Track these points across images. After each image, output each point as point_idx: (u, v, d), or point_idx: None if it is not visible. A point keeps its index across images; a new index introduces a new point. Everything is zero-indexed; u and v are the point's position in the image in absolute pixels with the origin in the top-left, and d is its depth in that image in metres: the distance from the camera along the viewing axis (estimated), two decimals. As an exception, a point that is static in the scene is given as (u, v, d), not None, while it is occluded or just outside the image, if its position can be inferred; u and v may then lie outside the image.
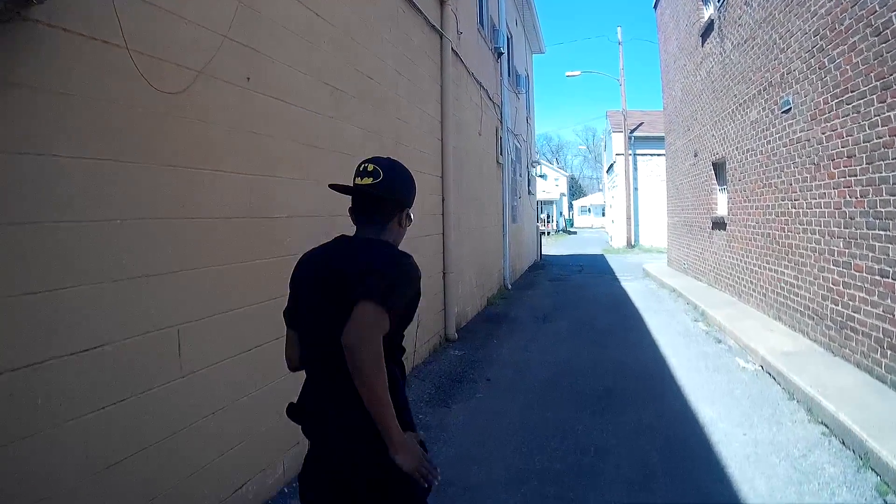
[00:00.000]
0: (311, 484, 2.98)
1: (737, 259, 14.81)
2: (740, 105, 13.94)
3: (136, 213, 4.00)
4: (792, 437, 6.74)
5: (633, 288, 20.13)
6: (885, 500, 5.35)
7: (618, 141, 43.55)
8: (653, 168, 40.58)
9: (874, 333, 8.02)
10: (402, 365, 3.05)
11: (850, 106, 8.59)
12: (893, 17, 7.37)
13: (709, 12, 16.81)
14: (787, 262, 11.29)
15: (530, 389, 8.74)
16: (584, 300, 17.71)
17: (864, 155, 8.25)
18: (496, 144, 18.73)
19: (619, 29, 43.73)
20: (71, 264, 3.53)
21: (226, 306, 4.96)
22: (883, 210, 7.78)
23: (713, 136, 16.62)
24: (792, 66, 10.69)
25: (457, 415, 7.69)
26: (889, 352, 7.60)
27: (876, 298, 7.99)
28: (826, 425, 6.94)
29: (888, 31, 7.49)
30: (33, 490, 3.27)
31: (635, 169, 41.70)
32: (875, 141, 7.95)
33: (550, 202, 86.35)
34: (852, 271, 8.67)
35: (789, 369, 8.51)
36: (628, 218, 41.52)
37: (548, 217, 77.79)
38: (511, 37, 22.69)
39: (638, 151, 41.56)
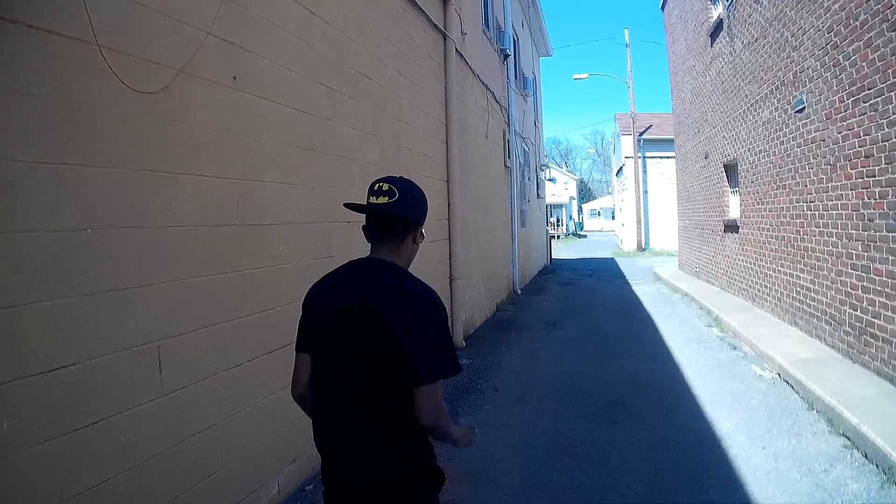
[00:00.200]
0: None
1: (750, 262, 14.50)
2: (752, 105, 13.64)
3: (108, 222, 3.75)
4: (813, 451, 6.44)
5: (645, 292, 19.83)
6: (912, 519, 5.08)
7: (627, 144, 43.15)
8: (662, 171, 40.31)
9: (895, 340, 7.72)
10: None
11: (867, 104, 8.30)
12: (911, 11, 7.11)
13: (717, 12, 16.53)
14: (802, 266, 10.98)
15: (539, 400, 8.46)
16: (594, 305, 17.38)
17: (882, 155, 7.97)
18: (503, 147, 18.48)
19: (626, 31, 44.18)
20: (34, 278, 3.28)
21: (212, 320, 4.70)
22: (904, 212, 7.47)
23: (724, 137, 16.32)
24: (805, 64, 10.40)
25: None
26: (912, 359, 7.30)
27: (897, 303, 7.68)
28: (848, 437, 6.64)
29: (906, 25, 7.21)
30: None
31: (645, 172, 41.41)
32: (894, 140, 7.67)
33: (560, 205, 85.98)
34: (872, 275, 8.36)
35: (808, 378, 8.21)
36: (638, 221, 41.20)
37: (557, 220, 77.50)
38: (517, 39, 22.49)
39: (647, 154, 41.23)
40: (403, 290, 2.89)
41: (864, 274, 8.60)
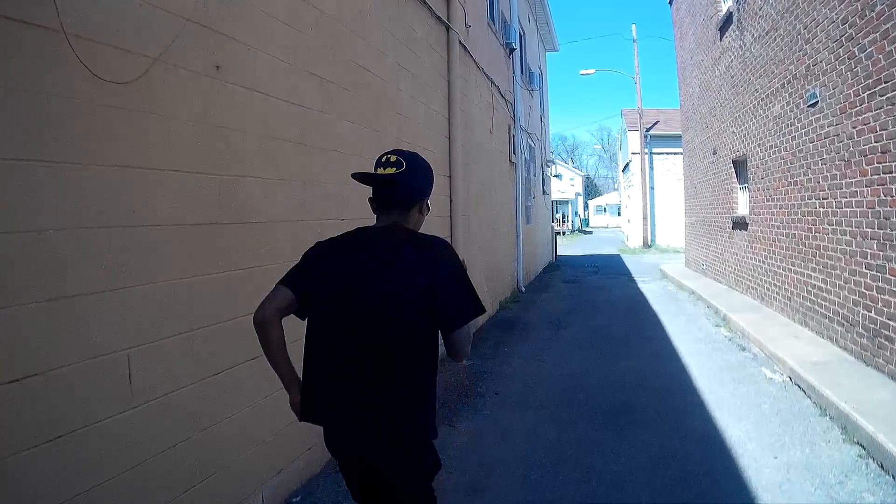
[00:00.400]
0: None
1: (759, 260, 14.22)
2: (762, 100, 13.35)
3: (74, 222, 3.49)
4: (827, 461, 6.16)
5: (651, 290, 19.59)
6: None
7: (633, 140, 43.01)
8: (669, 167, 40.01)
9: (912, 343, 7.43)
10: None
11: (884, 98, 8.01)
12: (931, 1, 6.83)
13: (727, 5, 16.25)
14: (814, 265, 10.69)
15: (541, 405, 8.16)
16: (599, 304, 17.10)
17: (900, 150, 7.67)
18: (509, 143, 18.24)
19: (633, 26, 43.82)
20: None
21: (188, 326, 4.42)
22: (923, 210, 7.18)
23: (733, 132, 16.04)
24: (818, 57, 10.09)
25: (461, 435, 7.09)
26: (930, 364, 7.02)
27: (915, 305, 7.38)
28: (863, 446, 6.36)
29: (926, 15, 6.93)
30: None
31: (651, 168, 41.17)
32: (913, 135, 7.35)
33: (566, 202, 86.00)
34: (887, 275, 8.08)
35: (821, 382, 7.92)
36: (644, 217, 41.02)
37: (563, 217, 77.71)
38: (524, 33, 22.25)
39: (654, 150, 40.98)
40: (423, 244, 3.12)
41: (879, 274, 8.32)
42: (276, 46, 5.59)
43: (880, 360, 8.22)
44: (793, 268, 11.84)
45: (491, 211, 15.38)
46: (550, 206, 35.88)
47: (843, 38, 9.14)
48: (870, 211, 8.54)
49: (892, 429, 6.23)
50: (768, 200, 13.28)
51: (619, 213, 78.50)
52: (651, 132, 41.02)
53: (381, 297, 2.95)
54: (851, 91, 8.95)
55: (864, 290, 8.77)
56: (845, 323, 9.38)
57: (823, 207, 10.19)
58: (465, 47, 12.41)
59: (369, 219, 3.32)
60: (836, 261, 9.71)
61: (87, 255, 3.57)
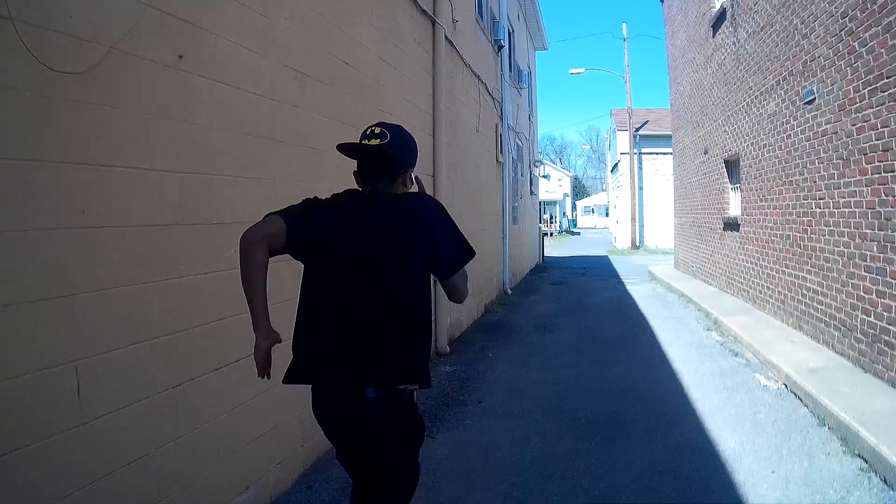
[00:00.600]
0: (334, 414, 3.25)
1: (751, 262, 13.94)
2: (756, 98, 13.09)
3: (12, 224, 3.16)
4: (827, 475, 5.83)
5: (640, 292, 19.30)
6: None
7: (622, 140, 42.94)
8: (658, 167, 40.09)
9: (914, 349, 7.14)
10: None
11: (886, 93, 7.72)
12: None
13: (720, 1, 15.99)
14: (809, 267, 10.40)
15: (527, 415, 7.78)
16: (587, 306, 16.79)
17: (902, 148, 7.37)
18: (496, 142, 17.91)
19: (623, 25, 44.31)
20: None
21: (145, 335, 4.06)
22: (926, 210, 6.89)
23: (725, 131, 15.79)
24: (816, 52, 9.80)
25: (441, 447, 6.70)
26: (933, 371, 6.73)
27: (916, 309, 7.09)
28: (864, 459, 6.04)
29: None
30: None
31: (640, 168, 41.16)
32: (916, 132, 7.06)
33: (553, 202, 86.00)
34: (888, 278, 7.78)
35: (819, 390, 7.59)
36: (633, 218, 40.95)
37: (551, 218, 77.80)
38: (512, 31, 22.01)
39: (643, 150, 40.97)
40: (414, 198, 3.33)
41: (878, 277, 8.02)
42: (247, 36, 5.25)
43: (880, 367, 7.93)
44: (787, 270, 11.55)
45: (477, 211, 15.05)
46: (538, 207, 35.83)
47: (842, 32, 8.86)
48: (870, 211, 8.26)
49: (895, 440, 5.93)
50: (761, 201, 13.02)
51: (607, 214, 78.57)
52: (640, 132, 40.99)
53: (381, 251, 3.10)
54: (851, 87, 8.66)
55: (862, 293, 8.48)
56: (842, 327, 9.09)
57: (820, 208, 9.90)
58: (451, 43, 12.06)
59: None
60: (834, 263, 9.42)
61: (30, 259, 3.27)
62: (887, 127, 7.72)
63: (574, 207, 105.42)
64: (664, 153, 36.19)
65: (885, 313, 7.84)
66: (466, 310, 13.44)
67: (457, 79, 12.81)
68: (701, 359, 10.31)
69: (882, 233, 7.93)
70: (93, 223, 3.65)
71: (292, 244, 3.13)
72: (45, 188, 3.33)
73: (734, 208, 15.97)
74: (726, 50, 15.39)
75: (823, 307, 9.82)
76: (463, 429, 7.32)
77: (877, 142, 8.00)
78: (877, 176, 8.03)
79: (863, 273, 8.47)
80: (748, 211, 14.13)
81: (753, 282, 13.84)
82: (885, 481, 5.59)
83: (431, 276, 3.32)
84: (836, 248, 9.31)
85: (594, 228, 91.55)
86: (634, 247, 40.43)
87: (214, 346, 4.74)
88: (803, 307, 10.71)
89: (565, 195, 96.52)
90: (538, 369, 9.99)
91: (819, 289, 9.99)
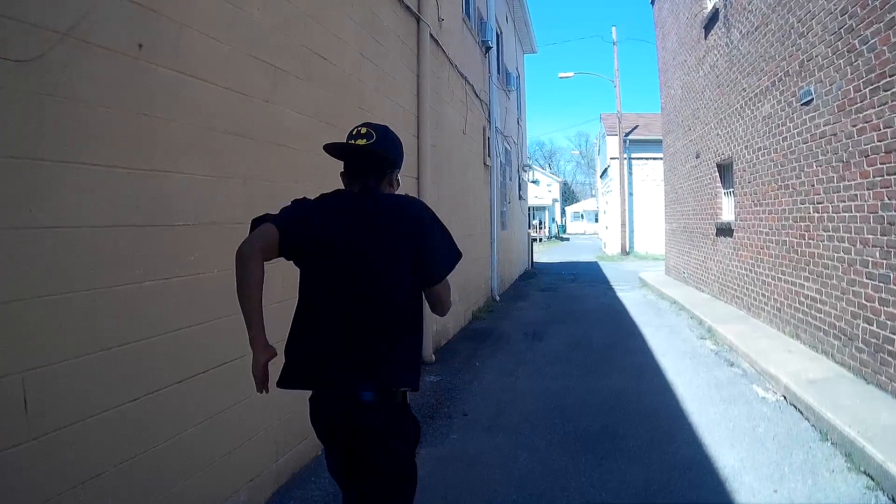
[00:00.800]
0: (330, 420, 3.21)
1: (745, 269, 13.63)
2: (750, 100, 12.79)
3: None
4: (832, 494, 5.51)
5: (631, 299, 19.00)
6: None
7: (612, 144, 42.88)
8: (648, 172, 40.12)
9: (919, 360, 6.83)
10: None
11: (889, 93, 7.43)
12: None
13: (713, 1, 15.76)
14: (807, 274, 10.07)
15: (514, 428, 7.42)
16: (577, 313, 16.44)
17: (906, 149, 7.07)
18: (484, 145, 17.64)
19: (613, 29, 44.33)
20: None
21: (101, 343, 3.77)
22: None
23: (718, 135, 15.52)
24: (814, 51, 9.50)
25: (424, 463, 6.16)
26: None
27: (922, 319, 6.79)
28: (871, 476, 5.72)
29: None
30: None
31: (630, 173, 41.10)
32: (923, 132, 6.75)
33: (543, 208, 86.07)
34: (891, 286, 7.47)
35: (820, 403, 7.25)
36: (623, 224, 40.83)
37: (540, 223, 77.96)
38: (501, 33, 21.83)
39: (633, 155, 40.93)
40: (405, 198, 3.35)
41: (881, 284, 7.70)
42: (215, 26, 4.92)
43: (883, 378, 7.62)
44: (783, 277, 11.24)
45: (464, 216, 14.75)
46: (527, 212, 35.70)
47: (841, 29, 8.56)
48: (871, 216, 7.94)
49: (903, 457, 5.63)
50: (756, 206, 12.72)
51: (596, 220, 78.77)
52: (630, 137, 40.97)
53: (378, 250, 3.12)
54: (851, 87, 8.35)
55: (864, 301, 8.16)
56: (843, 336, 8.77)
57: (818, 212, 9.58)
58: (437, 41, 11.75)
59: None
60: (833, 270, 9.09)
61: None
62: (890, 127, 7.42)
63: (563, 213, 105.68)
64: (654, 158, 36.35)
65: (888, 322, 7.52)
66: (453, 317, 13.12)
67: (443, 79, 12.50)
68: (695, 369, 9.96)
69: (885, 238, 7.62)
70: (41, 224, 3.39)
71: (288, 252, 3.19)
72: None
73: (727, 213, 15.71)
74: (719, 51, 15.14)
75: (822, 315, 9.50)
76: (447, 443, 6.95)
77: (879, 143, 7.70)
78: (879, 179, 7.72)
79: (864, 280, 8.15)
80: (742, 216, 13.84)
81: (748, 289, 13.53)
82: (893, 500, 5.31)
83: None
84: (836, 255, 8.99)
85: (583, 234, 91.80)
86: (624, 253, 40.31)
87: (179, 356, 4.45)
88: (801, 315, 10.38)
89: (554, 200, 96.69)
90: (526, 379, 9.63)
91: (817, 296, 9.67)
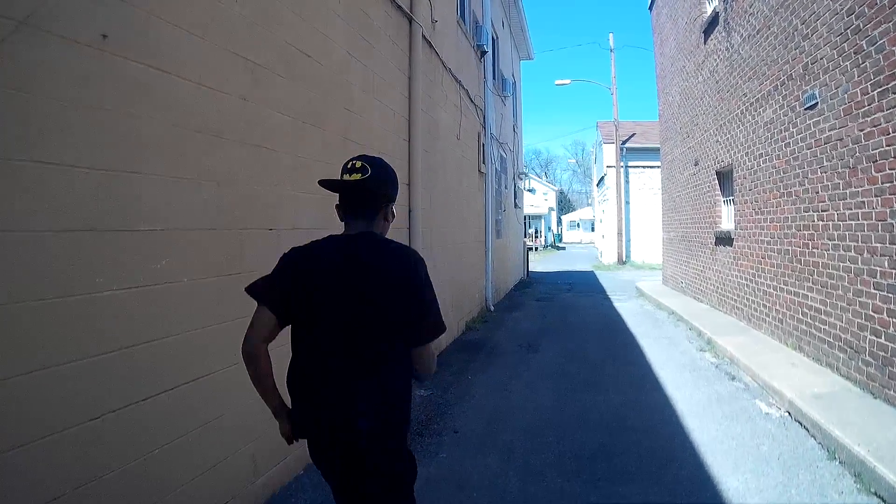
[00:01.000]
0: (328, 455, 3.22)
1: (746, 279, 13.34)
2: (751, 105, 12.53)
3: None
4: (843, 518, 5.14)
5: (628, 309, 18.68)
6: None
7: (609, 152, 42.79)
8: (645, 181, 40.12)
9: (930, 375, 6.54)
10: None
11: (899, 95, 7.12)
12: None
13: (713, 5, 15.52)
14: (811, 284, 9.77)
15: (507, 447, 7.05)
16: (573, 324, 16.10)
17: (919, 154, 6.79)
18: (478, 151, 17.34)
19: (610, 35, 43.71)
20: None
21: (55, 360, 3.51)
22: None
23: (717, 141, 15.27)
24: (818, 53, 9.22)
25: (411, 484, 6.00)
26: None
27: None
28: (882, 498, 5.46)
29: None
30: None
31: (627, 182, 41.02)
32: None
33: (539, 217, 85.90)
34: (901, 297, 7.15)
35: (827, 419, 6.94)
36: (619, 233, 40.66)
37: (536, 232, 77.71)
38: (497, 38, 21.59)
39: (630, 163, 40.86)
40: (397, 254, 3.27)
41: (890, 295, 7.42)
42: (188, 17, 4.64)
43: (891, 393, 7.34)
44: (786, 287, 10.94)
45: (458, 224, 14.46)
46: (523, 221, 35.48)
47: (848, 30, 8.29)
48: (880, 223, 7.66)
49: (918, 480, 5.33)
50: (757, 214, 12.44)
51: (592, 229, 78.79)
52: (627, 145, 40.88)
53: (361, 306, 3.09)
54: (858, 89, 8.08)
55: (871, 312, 7.87)
56: (848, 349, 8.47)
57: (823, 220, 9.29)
58: (429, 43, 11.46)
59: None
60: (839, 280, 8.80)
61: None
62: (901, 131, 7.12)
63: (559, 222, 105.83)
64: (651, 166, 36.42)
65: (897, 335, 7.23)
66: (446, 328, 12.63)
67: (436, 82, 12.20)
68: (695, 383, 9.61)
69: (894, 247, 7.35)
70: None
71: (287, 324, 3.24)
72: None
73: (727, 222, 15.47)
74: (719, 56, 14.91)
75: (827, 327, 9.20)
76: (436, 463, 6.58)
77: (888, 147, 7.44)
78: (888, 185, 7.45)
79: (872, 291, 7.86)
80: (742, 225, 13.57)
81: (748, 299, 13.24)
82: (907, 524, 4.93)
83: None
84: (842, 264, 8.70)
85: (580, 243, 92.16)
86: (621, 262, 40.17)
87: (142, 372, 4.15)
88: (804, 327, 10.08)
89: (550, 209, 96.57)
90: (520, 394, 9.26)
91: (822, 307, 9.37)
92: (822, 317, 9.34)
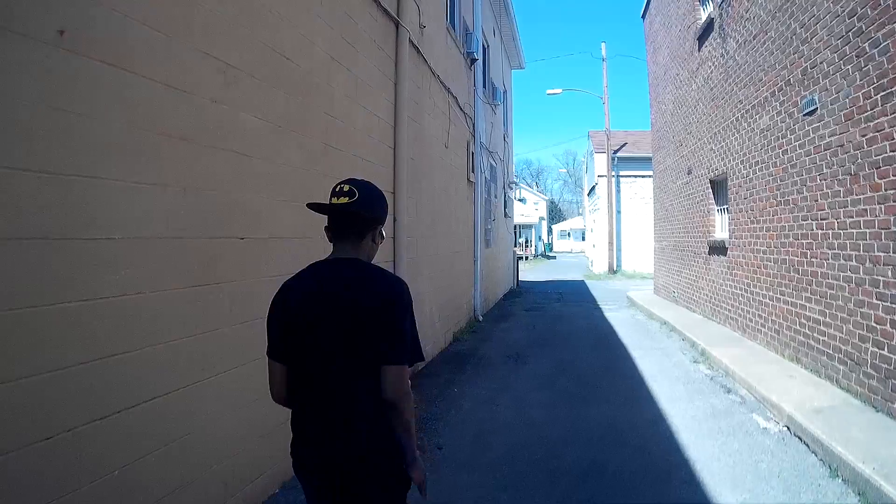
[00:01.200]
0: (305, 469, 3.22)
1: (741, 288, 13.10)
2: (747, 112, 12.33)
3: None
4: (847, 541, 4.87)
5: (619, 319, 18.44)
6: None
7: (600, 162, 42.73)
8: (637, 190, 40.16)
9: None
10: None
11: (903, 99, 6.89)
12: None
13: (707, 11, 15.38)
14: (809, 294, 9.53)
15: (493, 466, 6.74)
16: (564, 335, 15.82)
17: (925, 159, 6.55)
18: (467, 160, 17.10)
19: (602, 45, 43.88)
20: None
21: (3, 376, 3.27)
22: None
23: (711, 149, 15.08)
24: (818, 57, 9.00)
25: (391, 507, 5.68)
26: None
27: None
28: (889, 519, 5.11)
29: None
30: None
31: (618, 191, 40.99)
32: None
33: (529, 226, 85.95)
34: (905, 308, 6.90)
35: (829, 435, 6.69)
36: (610, 242, 40.63)
37: (526, 241, 77.86)
38: (488, 46, 21.46)
39: (621, 173, 40.86)
40: (372, 279, 3.22)
41: (894, 306, 7.18)
42: (153, 13, 4.38)
43: (894, 406, 7.09)
44: (782, 297, 10.69)
45: (446, 233, 14.20)
46: (513, 230, 35.48)
47: (850, 33, 8.07)
48: (883, 232, 7.42)
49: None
50: (752, 223, 12.21)
51: (583, 238, 78.96)
52: (619, 154, 40.91)
53: (332, 333, 3.06)
54: (860, 93, 7.86)
55: (873, 323, 7.63)
56: (849, 361, 8.22)
57: (822, 229, 9.05)
58: (417, 49, 11.21)
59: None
60: (839, 290, 8.55)
61: None
62: (905, 136, 6.87)
63: (550, 231, 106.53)
64: (643, 176, 36.71)
65: (901, 347, 6.98)
66: (433, 338, 12.52)
67: (423, 88, 11.95)
68: (690, 396, 9.31)
69: (898, 256, 7.08)
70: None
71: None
72: None
73: (720, 231, 15.32)
74: (713, 63, 14.74)
75: (826, 338, 8.95)
76: (419, 483, 6.29)
77: (892, 153, 7.22)
78: (892, 192, 7.23)
79: (874, 301, 7.62)
80: (737, 234, 13.35)
81: (743, 309, 13.01)
82: (915, 547, 4.68)
83: None
84: (842, 274, 8.46)
85: (570, 252, 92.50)
86: (612, 271, 40.10)
87: (100, 388, 3.87)
88: (802, 338, 9.83)
89: (541, 219, 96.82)
90: (508, 408, 8.94)
91: (821, 318, 9.13)
92: (821, 328, 9.10)
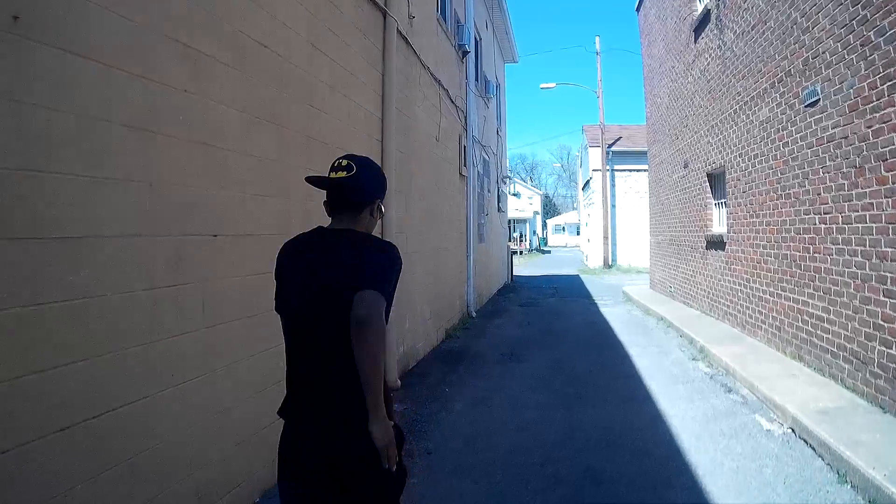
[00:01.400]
0: (294, 462, 3.22)
1: (739, 284, 12.86)
2: (745, 104, 12.08)
3: None
4: (859, 553, 4.61)
5: (615, 315, 18.23)
6: None
7: (595, 156, 42.73)
8: (632, 184, 40.09)
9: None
10: None
11: (910, 88, 6.62)
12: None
13: (704, 3, 15.13)
14: (812, 291, 9.28)
15: (485, 471, 6.45)
16: (559, 331, 15.57)
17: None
18: (459, 153, 16.83)
19: (597, 38, 43.53)
20: None
21: None
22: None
23: (708, 143, 14.84)
24: (820, 47, 8.75)
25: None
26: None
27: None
28: (902, 529, 4.85)
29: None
30: None
31: (613, 185, 40.92)
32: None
33: (524, 220, 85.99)
34: (914, 305, 6.64)
35: (836, 438, 6.42)
36: (605, 237, 40.58)
37: (521, 236, 77.92)
38: (480, 39, 21.23)
39: (616, 167, 40.80)
40: (361, 241, 3.24)
41: (902, 303, 6.88)
42: None
43: (903, 407, 6.80)
44: (784, 293, 10.44)
45: (437, 228, 13.94)
46: (507, 225, 35.45)
47: (854, 21, 7.82)
48: (890, 226, 7.18)
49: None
50: (752, 217, 11.98)
51: (578, 233, 79.15)
52: (613, 148, 40.85)
53: (318, 291, 3.09)
54: (866, 83, 7.60)
55: (881, 321, 7.38)
56: (854, 360, 7.97)
57: (826, 223, 8.80)
58: (406, 39, 10.91)
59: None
60: (844, 286, 8.30)
61: None
62: (913, 126, 6.61)
63: (545, 226, 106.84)
64: (637, 170, 36.69)
65: (910, 345, 6.72)
66: (424, 336, 12.29)
67: (412, 80, 11.65)
68: (690, 396, 9.04)
69: (906, 251, 6.82)
70: None
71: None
72: None
73: (718, 225, 15.11)
74: (710, 54, 14.50)
75: (830, 336, 8.71)
76: (407, 489, 5.98)
77: (898, 145, 6.92)
78: (899, 185, 6.93)
79: (881, 298, 7.36)
80: (735, 228, 13.12)
81: (742, 305, 12.77)
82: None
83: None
84: (847, 270, 8.21)
85: (565, 247, 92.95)
86: (607, 266, 40.04)
87: (56, 398, 3.60)
88: (804, 335, 9.58)
89: (536, 213, 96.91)
90: (501, 409, 8.66)
91: (825, 315, 8.88)
92: (825, 325, 8.85)
